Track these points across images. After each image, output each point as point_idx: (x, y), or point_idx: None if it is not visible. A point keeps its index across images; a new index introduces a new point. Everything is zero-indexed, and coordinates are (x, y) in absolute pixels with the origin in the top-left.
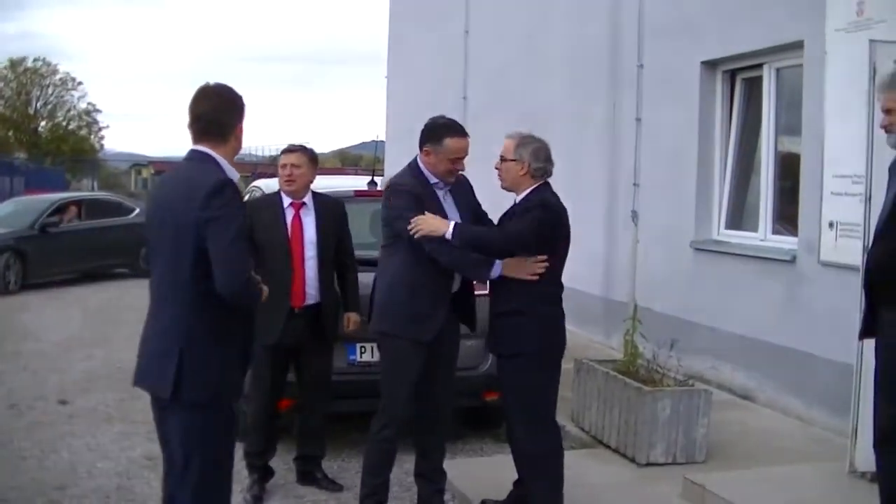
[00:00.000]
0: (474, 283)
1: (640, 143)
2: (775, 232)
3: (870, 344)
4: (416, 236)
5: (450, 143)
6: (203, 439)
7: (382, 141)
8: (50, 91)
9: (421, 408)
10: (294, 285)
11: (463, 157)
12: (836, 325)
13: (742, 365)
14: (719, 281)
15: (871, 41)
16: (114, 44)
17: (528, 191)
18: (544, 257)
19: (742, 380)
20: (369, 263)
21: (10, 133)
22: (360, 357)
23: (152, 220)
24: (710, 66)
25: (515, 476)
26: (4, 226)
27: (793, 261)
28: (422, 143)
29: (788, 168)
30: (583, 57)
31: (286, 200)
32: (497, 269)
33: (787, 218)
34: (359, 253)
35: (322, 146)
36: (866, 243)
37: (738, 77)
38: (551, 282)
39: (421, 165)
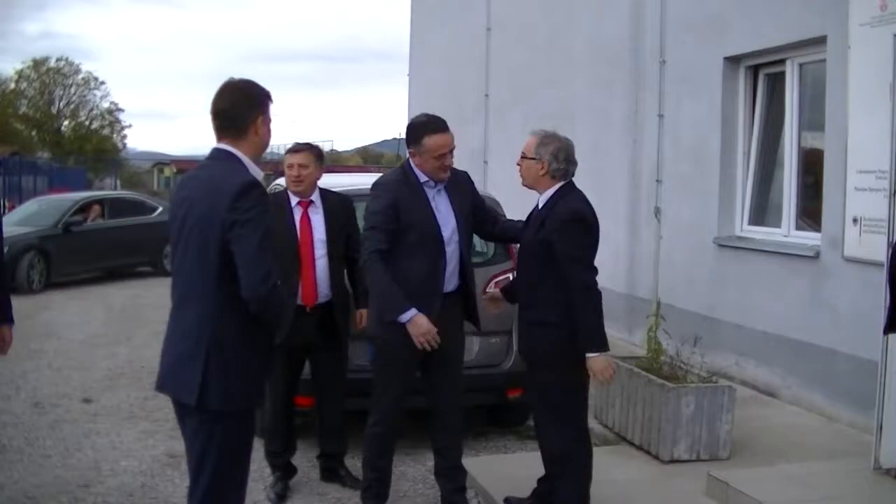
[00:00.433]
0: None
1: (662, 139)
2: (799, 228)
3: (894, 339)
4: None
5: (429, 141)
6: (217, 447)
7: (404, 138)
8: (73, 91)
9: (430, 406)
10: (305, 284)
11: (447, 153)
12: (860, 320)
13: (766, 361)
14: (742, 277)
15: (895, 36)
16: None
17: (551, 192)
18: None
19: (766, 376)
20: None
21: (34, 133)
22: None
23: (175, 220)
24: (732, 61)
25: (539, 473)
26: (28, 225)
27: (816, 256)
28: (407, 145)
29: (812, 163)
30: (605, 53)
31: (293, 199)
32: (406, 315)
33: (810, 214)
34: None
35: (343, 144)
36: (891, 238)
37: (761, 73)
38: None
39: (413, 165)
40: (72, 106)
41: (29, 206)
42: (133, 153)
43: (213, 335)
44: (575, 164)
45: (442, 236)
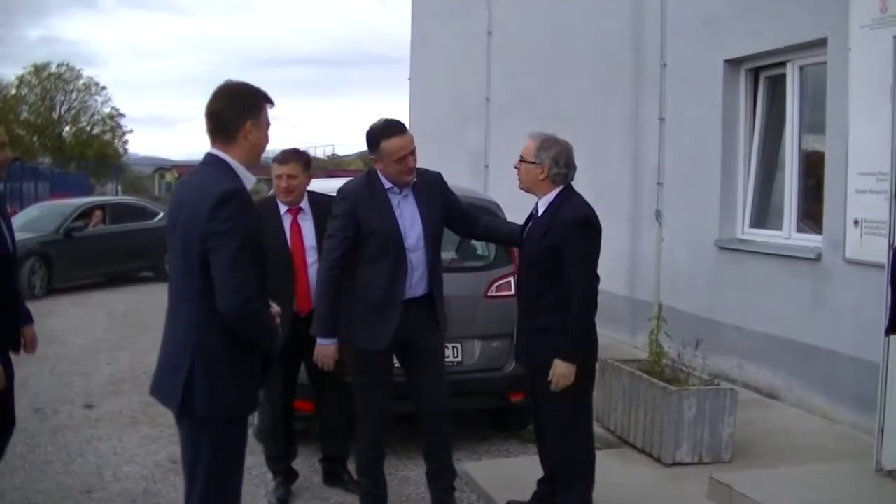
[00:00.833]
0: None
1: (663, 142)
2: (800, 230)
3: None
4: None
5: (387, 145)
6: (206, 453)
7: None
8: (74, 96)
9: (416, 410)
10: (298, 291)
11: (407, 155)
12: (862, 322)
13: (767, 364)
14: (744, 279)
15: (895, 38)
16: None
17: (550, 197)
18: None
19: (768, 378)
20: None
21: (35, 138)
22: None
23: (168, 225)
24: (733, 64)
25: (539, 476)
26: (30, 231)
27: (818, 259)
28: (369, 153)
29: (813, 166)
30: (606, 56)
31: (282, 206)
32: (323, 341)
33: (811, 216)
34: None
35: (345, 148)
36: (892, 240)
37: (762, 75)
38: None
39: (378, 172)
40: (73, 111)
41: (30, 212)
42: (134, 158)
43: (199, 343)
44: (575, 168)
45: (404, 244)
